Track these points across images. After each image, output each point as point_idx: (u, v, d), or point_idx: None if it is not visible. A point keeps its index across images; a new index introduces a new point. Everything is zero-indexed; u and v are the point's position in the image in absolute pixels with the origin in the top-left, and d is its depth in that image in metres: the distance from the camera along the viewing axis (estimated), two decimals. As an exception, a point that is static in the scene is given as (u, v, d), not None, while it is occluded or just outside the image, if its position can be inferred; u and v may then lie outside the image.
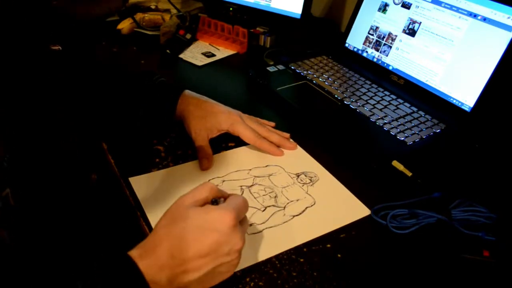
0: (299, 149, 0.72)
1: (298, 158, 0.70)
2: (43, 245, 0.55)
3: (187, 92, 0.72)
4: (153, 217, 0.56)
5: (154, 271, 0.42)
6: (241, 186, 0.63)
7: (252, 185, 0.63)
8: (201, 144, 0.67)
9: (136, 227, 0.57)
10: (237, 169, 0.66)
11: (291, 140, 0.73)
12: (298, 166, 0.68)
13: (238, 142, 0.71)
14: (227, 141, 0.71)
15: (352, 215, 0.59)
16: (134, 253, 0.43)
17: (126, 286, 0.41)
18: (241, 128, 0.68)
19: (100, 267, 0.42)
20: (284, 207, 0.60)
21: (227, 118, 0.69)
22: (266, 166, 0.68)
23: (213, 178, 0.64)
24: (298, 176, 0.66)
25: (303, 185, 0.64)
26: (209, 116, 0.68)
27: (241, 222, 0.47)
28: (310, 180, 0.65)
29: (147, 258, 0.42)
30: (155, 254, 0.42)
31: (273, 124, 0.76)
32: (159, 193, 0.61)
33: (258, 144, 0.69)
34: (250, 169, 0.67)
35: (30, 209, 0.53)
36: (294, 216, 0.59)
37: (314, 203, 0.61)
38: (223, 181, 0.64)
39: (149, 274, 0.41)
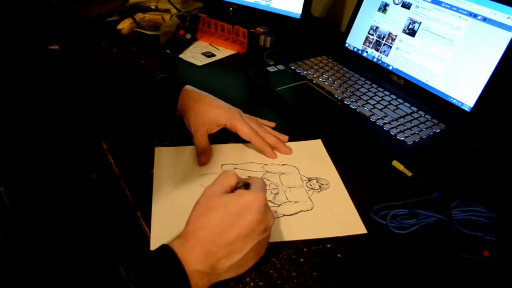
0: (325, 155, 0.71)
1: (319, 164, 0.69)
2: (42, 243, 0.55)
3: (188, 87, 0.72)
4: (156, 186, 0.61)
5: (198, 259, 0.44)
6: (248, 177, 0.63)
7: None
8: (200, 139, 0.67)
9: (136, 227, 0.57)
10: (252, 161, 0.67)
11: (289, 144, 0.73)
12: (314, 171, 0.67)
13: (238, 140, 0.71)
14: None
15: (346, 230, 0.58)
16: (175, 243, 0.45)
17: (166, 275, 0.42)
18: (239, 124, 0.68)
19: (141, 256, 0.44)
20: (279, 205, 0.60)
21: (226, 113, 0.69)
22: (283, 164, 0.68)
23: (226, 164, 0.67)
24: (309, 180, 0.65)
25: (309, 190, 0.64)
26: (208, 111, 0.69)
27: None
28: (320, 187, 0.64)
29: (190, 247, 0.44)
30: (198, 243, 0.45)
31: (273, 124, 0.76)
32: (173, 166, 0.65)
33: (253, 141, 0.68)
34: (265, 164, 0.68)
35: (27, 208, 0.54)
36: (284, 215, 0.59)
37: (311, 209, 0.61)
38: (235, 168, 0.66)
39: (192, 262, 0.44)
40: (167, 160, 0.66)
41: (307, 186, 0.64)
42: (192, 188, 0.62)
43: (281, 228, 0.57)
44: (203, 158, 0.66)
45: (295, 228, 0.57)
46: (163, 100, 0.71)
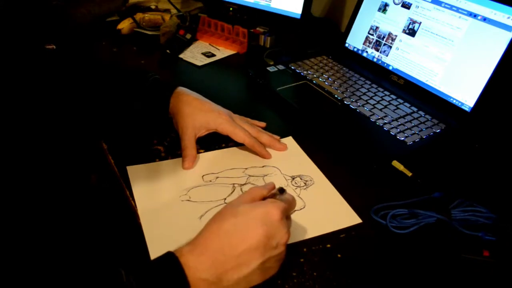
0: (300, 151, 0.71)
1: (297, 161, 0.69)
2: (42, 244, 0.55)
3: (180, 89, 0.71)
4: (141, 205, 0.58)
5: (205, 267, 0.42)
6: (233, 184, 0.63)
7: (244, 184, 0.64)
8: (187, 143, 0.66)
9: (136, 227, 0.57)
10: (232, 167, 0.66)
11: (281, 141, 0.72)
12: (295, 169, 0.67)
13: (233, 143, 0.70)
14: (228, 141, 0.71)
15: (342, 222, 0.58)
16: (184, 250, 0.44)
17: (167, 282, 0.41)
18: (231, 128, 0.67)
19: (143, 261, 0.44)
20: None
21: (216, 118, 0.67)
22: (263, 166, 0.68)
23: (207, 174, 0.65)
24: (293, 178, 0.65)
25: (296, 188, 0.63)
26: (198, 114, 0.67)
27: (287, 217, 0.49)
28: (305, 183, 0.64)
29: (198, 255, 0.43)
30: (207, 251, 0.43)
31: (263, 124, 0.75)
32: (152, 183, 0.62)
33: (247, 143, 0.68)
34: (246, 168, 0.67)
35: (27, 208, 0.54)
36: None
37: (304, 207, 0.60)
38: (217, 177, 0.64)
39: (199, 270, 0.42)
40: (143, 177, 0.63)
41: (293, 185, 0.64)
42: (175, 203, 0.59)
43: None
44: (186, 163, 0.65)
45: (292, 230, 0.56)
46: (154, 102, 0.70)
